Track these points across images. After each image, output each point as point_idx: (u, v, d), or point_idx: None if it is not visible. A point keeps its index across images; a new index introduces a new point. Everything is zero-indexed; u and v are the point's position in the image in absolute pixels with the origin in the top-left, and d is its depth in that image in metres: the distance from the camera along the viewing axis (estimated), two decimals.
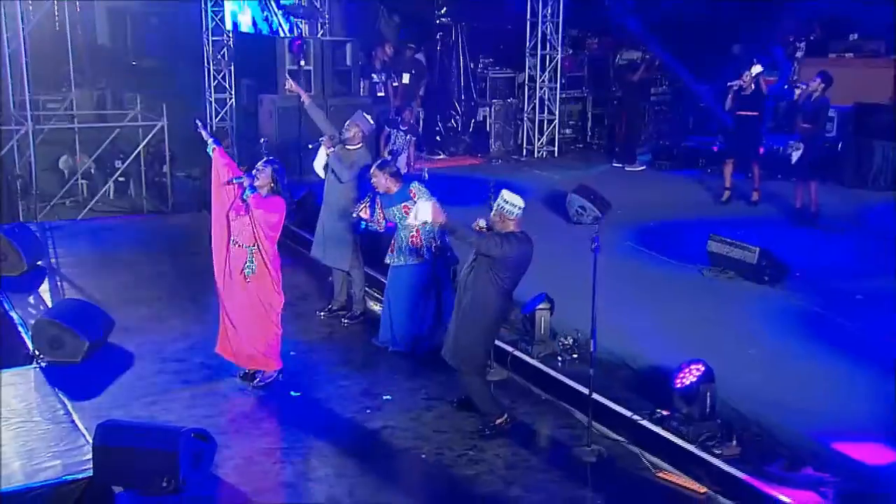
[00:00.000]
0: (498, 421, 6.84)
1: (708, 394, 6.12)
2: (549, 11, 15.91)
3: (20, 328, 8.95)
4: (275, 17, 15.63)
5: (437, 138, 16.48)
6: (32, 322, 8.32)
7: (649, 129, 16.99)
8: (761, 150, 12.52)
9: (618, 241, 10.45)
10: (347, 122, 9.35)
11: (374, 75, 15.12)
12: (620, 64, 16.82)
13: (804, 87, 11.44)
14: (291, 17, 14.70)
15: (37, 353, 8.23)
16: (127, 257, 11.62)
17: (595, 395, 6.65)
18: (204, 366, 8.14)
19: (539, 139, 16.29)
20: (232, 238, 7.50)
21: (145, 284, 10.43)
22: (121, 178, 16.92)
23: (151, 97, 17.58)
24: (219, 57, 17.37)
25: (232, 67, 17.47)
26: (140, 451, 5.98)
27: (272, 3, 15.67)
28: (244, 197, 7.25)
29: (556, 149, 16.40)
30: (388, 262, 8.40)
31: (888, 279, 8.91)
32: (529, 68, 16.20)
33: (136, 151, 16.35)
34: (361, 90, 14.78)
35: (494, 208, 6.65)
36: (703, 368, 6.18)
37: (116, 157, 17.03)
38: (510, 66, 17.17)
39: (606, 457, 6.43)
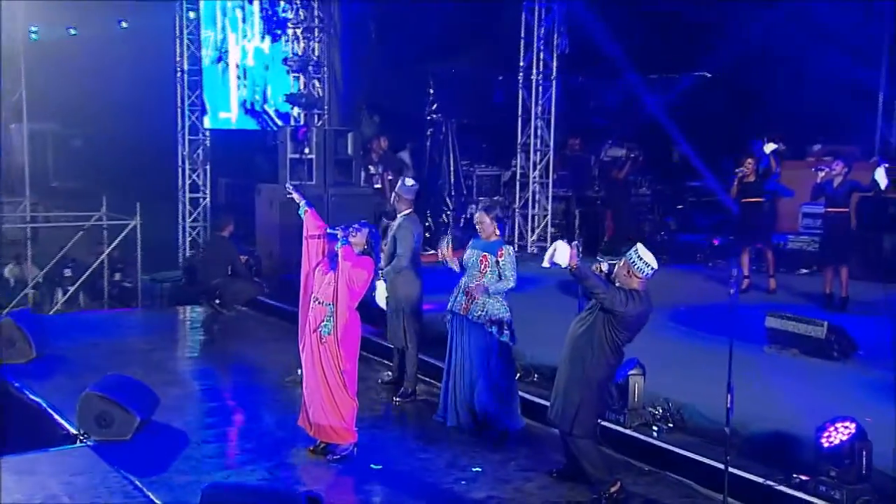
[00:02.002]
0: (613, 489, 6.42)
1: (864, 453, 5.80)
2: (541, 109, 16.04)
3: (49, 410, 8.30)
4: (264, 112, 15.42)
5: (427, 234, 16.23)
6: (81, 396, 7.64)
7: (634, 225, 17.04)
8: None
9: (658, 323, 10.24)
10: (394, 195, 9.29)
11: (370, 167, 14.95)
12: (605, 160, 16.97)
13: (826, 170, 11.55)
14: (290, 108, 14.48)
15: (81, 430, 7.58)
16: (133, 347, 11.03)
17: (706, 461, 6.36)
18: (267, 440, 7.65)
19: (531, 235, 16.20)
20: (313, 295, 7.12)
21: (162, 369, 9.84)
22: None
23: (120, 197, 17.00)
24: (195, 156, 17.13)
25: (208, 167, 17.22)
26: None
27: (260, 97, 15.48)
28: (336, 248, 6.91)
29: (547, 244, 16.31)
30: (452, 307, 8.03)
31: None
32: (522, 165, 16.21)
33: (106, 252, 15.71)
34: (361, 181, 14.55)
35: (623, 260, 6.39)
36: (854, 426, 5.88)
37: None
38: (497, 164, 17.21)
39: None
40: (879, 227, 13.04)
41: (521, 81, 16.02)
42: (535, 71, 15.81)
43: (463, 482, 6.82)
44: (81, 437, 7.56)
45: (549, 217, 16.27)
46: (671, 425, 7.27)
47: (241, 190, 17.71)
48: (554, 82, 15.92)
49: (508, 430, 7.81)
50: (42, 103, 18.04)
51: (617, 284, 6.39)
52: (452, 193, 16.51)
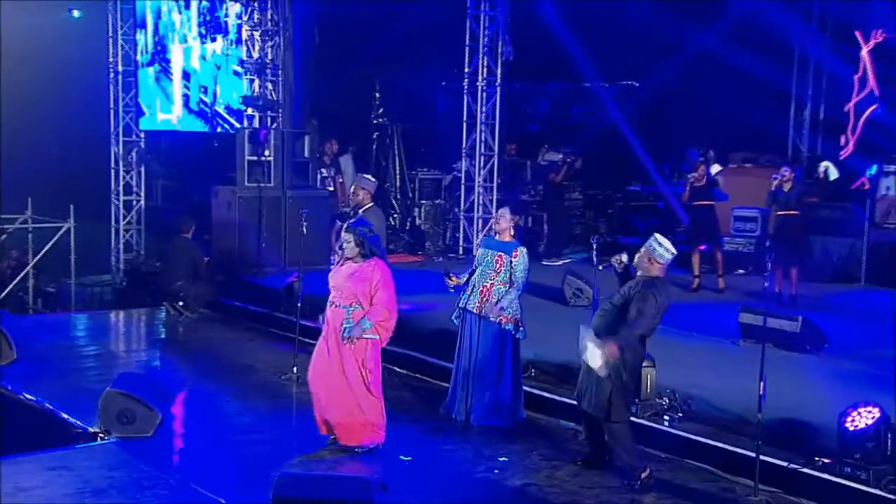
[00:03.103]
0: (643, 475, 6.79)
1: (889, 435, 6.27)
2: (485, 115, 16.41)
3: (53, 409, 8.25)
4: (216, 113, 15.34)
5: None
6: (103, 394, 7.62)
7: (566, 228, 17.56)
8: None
9: None
10: (353, 187, 9.74)
11: (322, 170, 15.07)
12: (542, 164, 17.45)
13: (778, 177, 12.27)
14: (243, 108, 14.50)
15: (103, 428, 7.57)
16: (109, 349, 11.01)
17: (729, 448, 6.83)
18: (288, 436, 7.86)
19: (476, 237, 16.54)
20: (329, 298, 7.33)
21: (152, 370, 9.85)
22: None
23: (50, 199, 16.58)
24: (129, 158, 16.95)
25: (143, 168, 17.05)
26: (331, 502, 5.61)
27: (210, 98, 15.42)
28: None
29: None
30: (464, 305, 8.26)
31: None
32: (468, 168, 16.53)
33: (39, 256, 15.35)
34: (317, 183, 14.68)
35: (644, 249, 6.79)
36: (878, 411, 6.38)
37: None
38: (438, 168, 17.51)
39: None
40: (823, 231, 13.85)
41: (466, 87, 16.36)
42: (480, 77, 16.18)
43: (495, 471, 7.11)
44: (102, 435, 7.56)
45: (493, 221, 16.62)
46: (681, 415, 7.70)
47: (180, 192, 17.62)
48: (498, 89, 16.33)
49: (519, 422, 8.16)
50: None
51: (638, 273, 6.81)
52: (398, 196, 16.75)
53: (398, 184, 16.80)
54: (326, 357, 7.29)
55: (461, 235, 16.61)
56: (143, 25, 16.20)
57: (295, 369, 9.36)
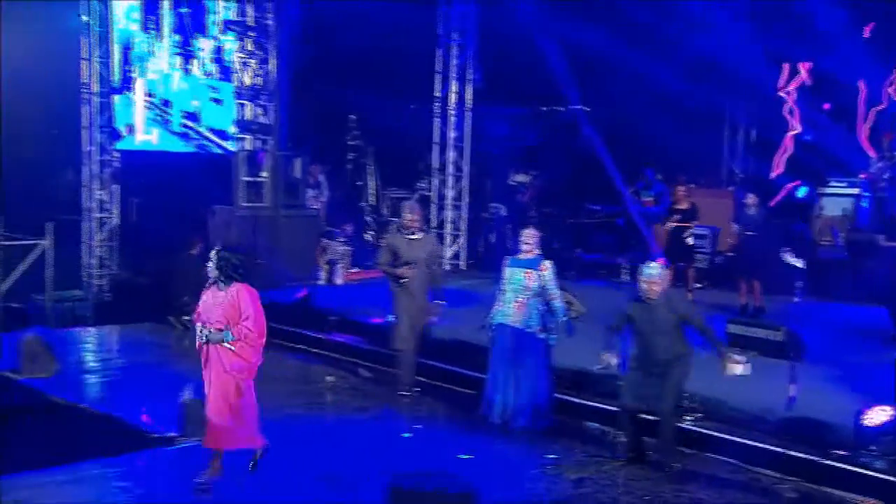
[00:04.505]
0: (678, 465, 7.85)
1: None
2: (454, 135, 17.35)
3: (120, 417, 8.86)
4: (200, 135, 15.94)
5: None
6: (184, 402, 8.31)
7: None
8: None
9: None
10: (408, 210, 10.26)
11: (308, 190, 15.80)
12: (511, 185, 18.49)
13: (744, 201, 13.59)
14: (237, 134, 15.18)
15: (186, 433, 8.25)
16: (137, 361, 11.52)
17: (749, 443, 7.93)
18: (353, 438, 8.60)
19: (447, 253, 17.45)
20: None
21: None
22: None
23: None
24: (102, 176, 17.32)
25: (118, 187, 17.44)
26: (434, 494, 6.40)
27: (193, 122, 16.02)
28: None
29: (460, 262, 17.62)
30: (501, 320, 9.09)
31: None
32: (437, 188, 17.40)
33: (17, 275, 15.55)
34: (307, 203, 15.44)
35: (641, 281, 7.93)
36: (893, 409, 7.56)
37: None
38: (404, 188, 18.38)
39: (803, 493, 7.60)
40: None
41: (437, 112, 17.27)
42: (450, 102, 17.14)
43: (548, 467, 8.02)
44: (181, 440, 8.23)
45: (463, 238, 17.58)
46: (700, 414, 8.75)
47: (155, 210, 18.04)
48: (468, 113, 17.31)
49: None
50: None
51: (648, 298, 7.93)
52: (374, 215, 17.57)
53: (375, 202, 17.56)
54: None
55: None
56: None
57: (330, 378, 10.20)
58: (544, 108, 19.45)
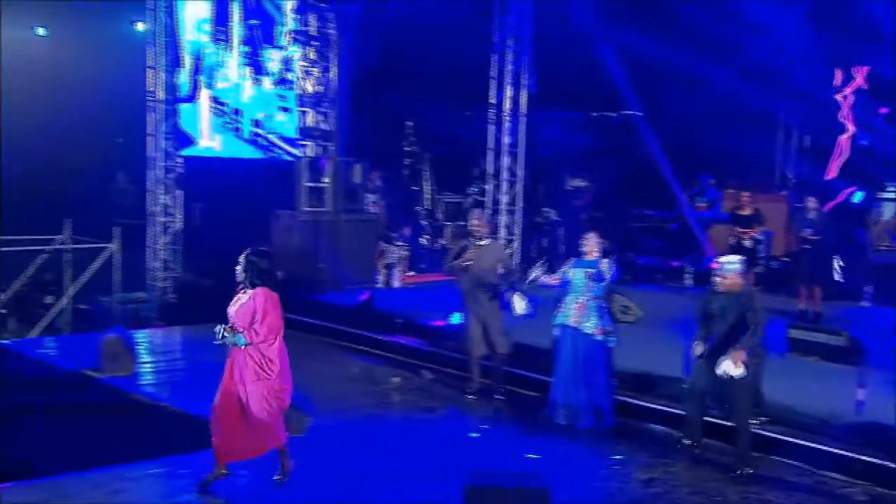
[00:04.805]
0: (750, 470, 8.00)
1: None
2: (509, 141, 17.54)
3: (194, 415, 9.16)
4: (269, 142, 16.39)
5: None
6: None
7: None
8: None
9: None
10: (476, 216, 10.56)
11: (367, 195, 16.11)
12: (567, 189, 18.66)
13: (804, 205, 13.64)
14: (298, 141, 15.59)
15: None
16: (206, 361, 11.80)
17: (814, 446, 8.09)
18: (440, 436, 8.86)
19: None
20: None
21: None
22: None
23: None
24: (167, 181, 17.82)
25: (181, 192, 17.92)
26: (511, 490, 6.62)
27: (260, 128, 16.44)
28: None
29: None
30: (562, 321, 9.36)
31: None
32: (493, 192, 17.59)
33: (87, 277, 16.02)
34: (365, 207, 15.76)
35: (718, 274, 8.14)
36: None
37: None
38: (459, 192, 18.64)
39: (874, 496, 7.72)
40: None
41: (492, 118, 17.46)
42: (505, 108, 17.34)
43: (616, 467, 8.21)
44: None
45: (517, 242, 17.76)
46: (764, 418, 8.87)
47: (218, 214, 18.51)
48: (523, 119, 17.50)
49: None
50: None
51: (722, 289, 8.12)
52: (429, 220, 17.85)
53: (430, 206, 17.84)
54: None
55: None
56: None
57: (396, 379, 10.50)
58: (595, 114, 19.59)
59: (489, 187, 17.65)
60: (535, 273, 9.85)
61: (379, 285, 15.32)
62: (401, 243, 15.75)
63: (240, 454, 7.43)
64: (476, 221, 10.41)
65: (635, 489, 7.76)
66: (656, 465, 8.27)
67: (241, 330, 7.21)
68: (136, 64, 18.11)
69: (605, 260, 9.43)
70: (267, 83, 16.09)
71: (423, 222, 17.86)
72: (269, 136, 16.03)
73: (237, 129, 16.26)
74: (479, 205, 17.66)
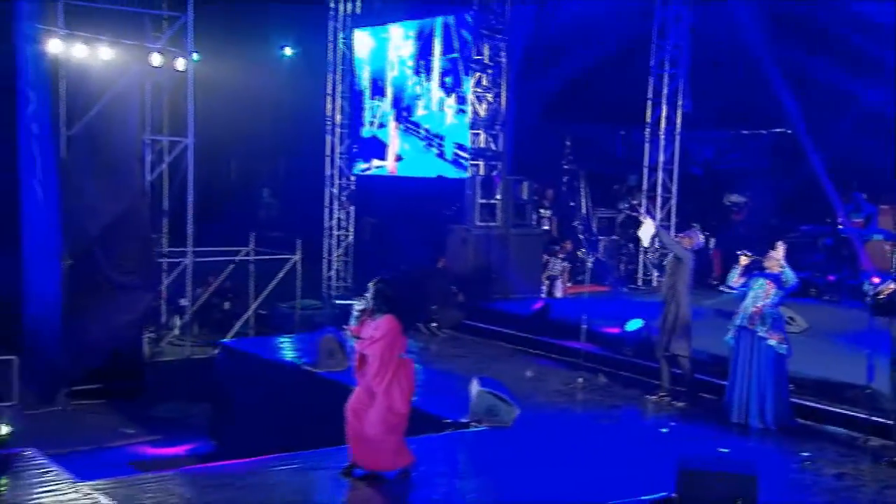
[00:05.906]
0: None
1: None
2: (664, 158, 18.29)
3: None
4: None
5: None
6: (475, 393, 9.64)
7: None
8: None
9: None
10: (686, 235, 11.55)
11: (541, 210, 17.20)
12: (727, 204, 19.27)
13: None
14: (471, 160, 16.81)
15: (474, 419, 9.59)
16: None
17: None
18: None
19: (655, 272, 18.33)
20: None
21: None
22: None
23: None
24: (342, 198, 19.33)
25: (353, 208, 19.40)
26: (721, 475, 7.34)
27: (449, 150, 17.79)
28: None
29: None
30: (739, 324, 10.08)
31: None
32: (647, 208, 18.32)
33: (272, 286, 17.33)
34: (532, 222, 16.78)
35: None
36: None
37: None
38: (612, 208, 19.44)
39: None
40: None
41: (647, 136, 18.25)
42: (661, 128, 18.11)
43: (807, 463, 8.88)
44: (473, 424, 9.54)
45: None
46: None
47: (389, 229, 19.86)
48: (677, 137, 18.23)
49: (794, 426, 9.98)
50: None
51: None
52: (586, 234, 18.75)
53: (587, 222, 18.74)
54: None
55: (640, 269, 18.47)
56: (382, 93, 18.80)
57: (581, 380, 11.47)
58: (745, 132, 20.12)
59: (644, 202, 18.44)
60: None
61: (543, 295, 16.23)
62: (562, 256, 16.68)
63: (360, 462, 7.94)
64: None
65: (829, 482, 8.39)
66: (844, 463, 8.88)
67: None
68: (288, 86, 19.86)
69: (788, 269, 10.10)
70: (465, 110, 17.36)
71: (581, 236, 18.72)
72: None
73: (441, 153, 17.57)
74: (632, 220, 18.48)
